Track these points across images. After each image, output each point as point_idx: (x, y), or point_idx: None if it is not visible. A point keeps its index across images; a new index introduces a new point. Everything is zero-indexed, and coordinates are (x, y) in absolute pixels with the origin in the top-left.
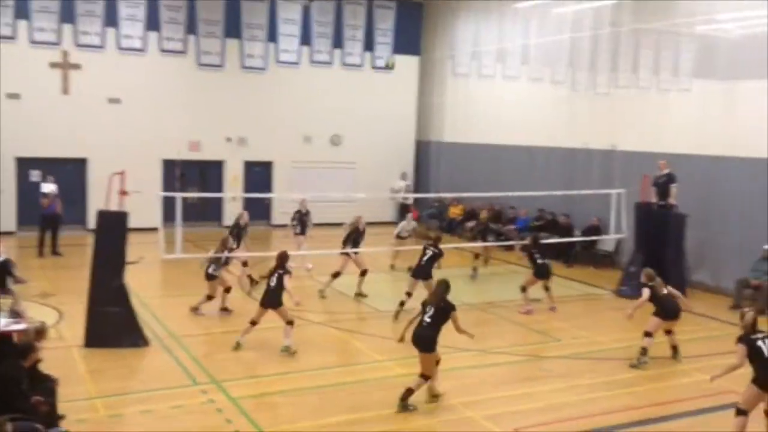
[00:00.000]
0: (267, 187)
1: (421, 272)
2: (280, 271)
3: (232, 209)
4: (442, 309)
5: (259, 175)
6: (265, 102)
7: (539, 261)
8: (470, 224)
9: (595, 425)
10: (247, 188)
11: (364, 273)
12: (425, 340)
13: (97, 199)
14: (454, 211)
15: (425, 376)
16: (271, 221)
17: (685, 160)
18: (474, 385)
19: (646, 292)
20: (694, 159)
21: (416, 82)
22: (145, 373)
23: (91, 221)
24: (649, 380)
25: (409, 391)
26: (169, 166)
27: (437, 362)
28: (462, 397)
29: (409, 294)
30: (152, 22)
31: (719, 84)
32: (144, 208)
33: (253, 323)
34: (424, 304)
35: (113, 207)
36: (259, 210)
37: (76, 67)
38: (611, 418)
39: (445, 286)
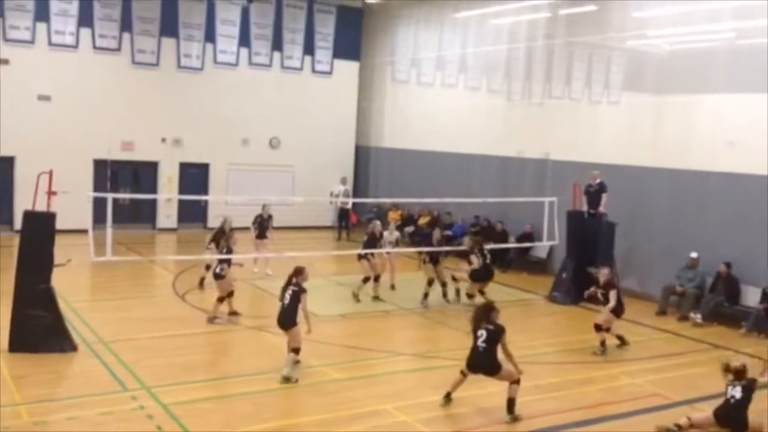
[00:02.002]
0: (203, 189)
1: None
2: (294, 288)
3: (167, 211)
4: (493, 332)
5: (195, 177)
6: (201, 103)
7: (486, 262)
8: (408, 229)
9: (526, 428)
10: (183, 190)
11: (377, 278)
12: (488, 364)
13: (25, 199)
14: (393, 216)
15: (516, 381)
16: (207, 224)
17: (614, 170)
18: (408, 389)
19: (613, 296)
20: (623, 169)
21: (356, 87)
22: (73, 378)
23: (18, 222)
24: (578, 384)
25: (511, 401)
26: (100, 166)
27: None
28: (396, 402)
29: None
30: (85, 19)
31: (647, 97)
32: (74, 209)
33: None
34: (475, 330)
35: (41, 207)
36: (195, 213)
37: (4, 62)
38: (542, 421)
39: (489, 308)
